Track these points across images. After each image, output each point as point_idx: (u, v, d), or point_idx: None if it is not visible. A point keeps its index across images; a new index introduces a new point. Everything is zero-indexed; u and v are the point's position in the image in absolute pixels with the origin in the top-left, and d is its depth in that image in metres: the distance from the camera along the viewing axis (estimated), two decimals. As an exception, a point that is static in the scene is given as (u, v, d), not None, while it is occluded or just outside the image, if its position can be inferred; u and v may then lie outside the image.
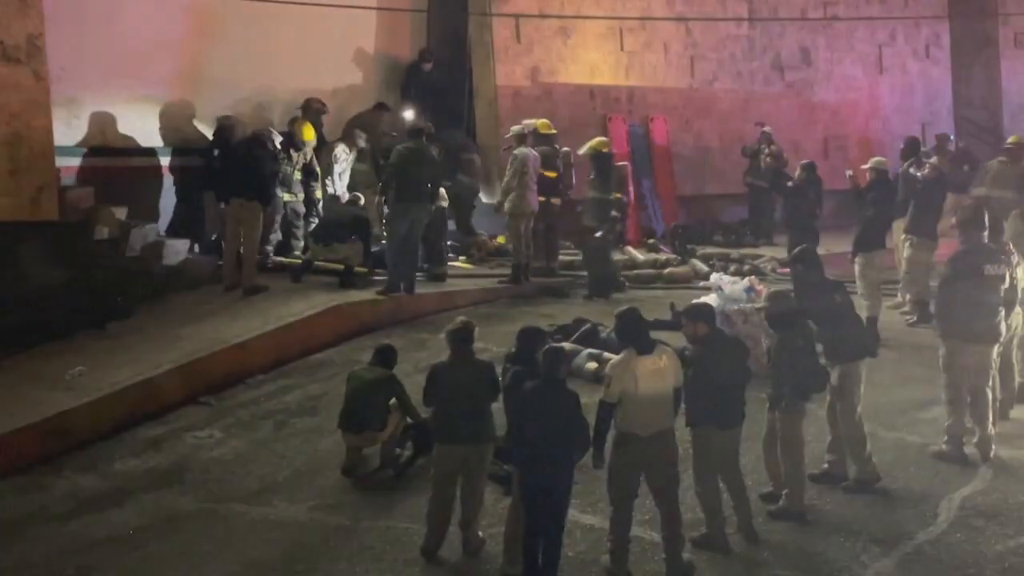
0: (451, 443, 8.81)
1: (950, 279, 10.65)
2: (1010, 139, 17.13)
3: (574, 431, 8.20)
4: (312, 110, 16.65)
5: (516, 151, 16.12)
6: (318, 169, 16.44)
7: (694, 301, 10.14)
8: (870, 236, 14.35)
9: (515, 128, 16.69)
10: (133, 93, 15.32)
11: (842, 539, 9.03)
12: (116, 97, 15.18)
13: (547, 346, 8.66)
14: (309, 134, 16.03)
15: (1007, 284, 10.59)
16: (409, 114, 17.71)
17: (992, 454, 10.47)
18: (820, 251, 12.04)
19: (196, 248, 15.73)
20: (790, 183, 15.92)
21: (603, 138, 16.00)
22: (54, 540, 9.35)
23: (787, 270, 16.65)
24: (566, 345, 11.71)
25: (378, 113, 17.93)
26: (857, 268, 14.33)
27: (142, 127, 15.52)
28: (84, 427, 11.20)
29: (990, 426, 10.57)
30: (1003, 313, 10.58)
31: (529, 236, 16.35)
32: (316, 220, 16.25)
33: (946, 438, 10.53)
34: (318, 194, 16.56)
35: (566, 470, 8.25)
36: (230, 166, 14.77)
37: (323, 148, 16.69)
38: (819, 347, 9.66)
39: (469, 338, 8.97)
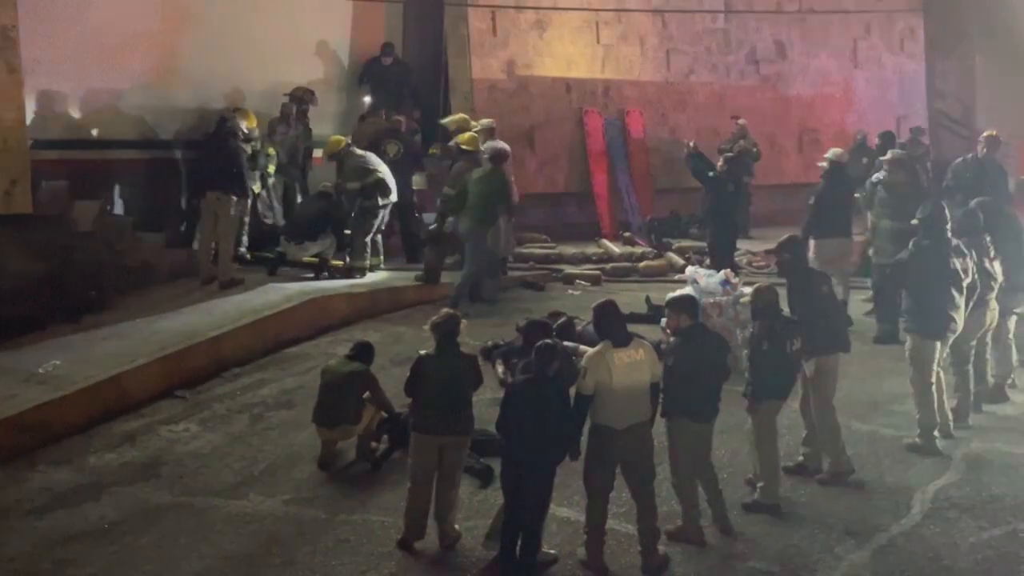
0: (429, 433, 8.83)
1: (914, 274, 10.74)
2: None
3: (561, 429, 8.24)
4: (297, 99, 16.59)
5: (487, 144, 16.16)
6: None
7: (676, 293, 10.18)
8: (813, 225, 14.33)
9: (484, 121, 16.68)
10: (108, 85, 15.24)
11: (816, 531, 9.08)
12: (91, 89, 15.10)
13: (540, 343, 8.67)
14: (252, 122, 15.88)
15: (969, 279, 10.67)
16: (368, 99, 17.66)
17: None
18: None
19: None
20: (711, 173, 15.89)
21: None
22: (29, 534, 9.31)
23: (762, 263, 16.83)
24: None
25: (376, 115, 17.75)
26: None
27: (117, 120, 15.44)
28: (58, 421, 11.14)
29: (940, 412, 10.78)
30: (961, 307, 10.66)
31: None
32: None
33: (919, 431, 10.61)
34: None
35: (549, 467, 8.28)
36: (204, 159, 14.73)
37: (309, 139, 16.68)
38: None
39: (455, 330, 8.99)
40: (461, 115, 16.86)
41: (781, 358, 9.39)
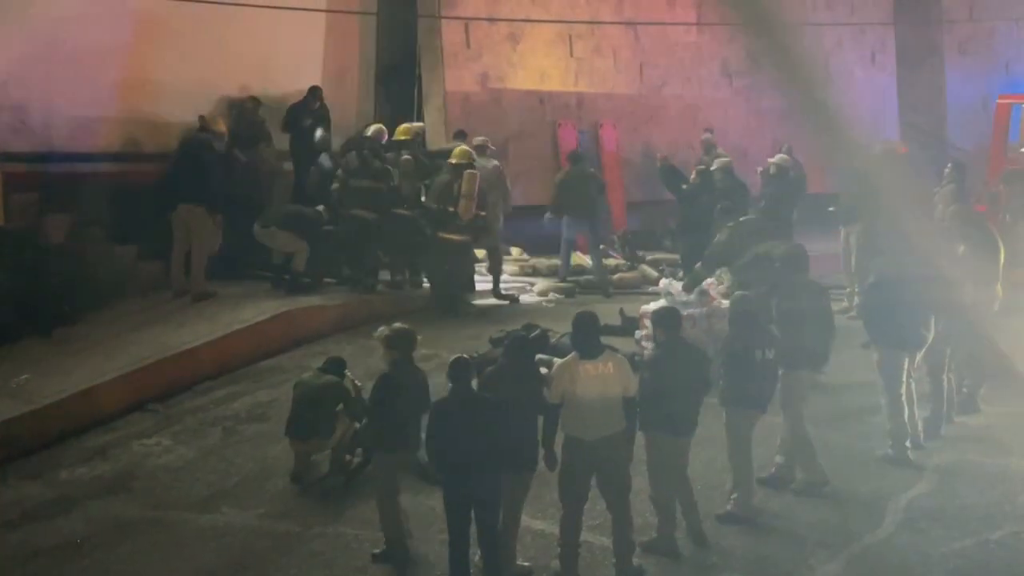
0: (388, 451, 8.85)
1: (877, 285, 10.81)
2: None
3: (498, 443, 8.24)
4: (244, 110, 16.48)
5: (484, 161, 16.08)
6: None
7: (655, 305, 10.21)
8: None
9: (478, 140, 16.61)
10: (79, 98, 15.16)
11: (790, 542, 9.11)
12: (62, 102, 15.01)
13: (454, 357, 8.72)
14: (221, 126, 15.61)
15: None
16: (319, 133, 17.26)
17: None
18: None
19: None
20: (684, 186, 15.95)
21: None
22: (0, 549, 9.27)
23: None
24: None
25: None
26: None
27: (88, 132, 15.36)
28: (29, 435, 11.11)
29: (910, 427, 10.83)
30: (931, 318, 10.71)
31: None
32: None
33: (891, 442, 10.65)
34: None
35: (487, 483, 8.27)
36: (177, 171, 14.67)
37: (266, 146, 16.55)
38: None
39: (412, 346, 9.01)
40: (406, 125, 16.65)
41: (753, 367, 9.40)
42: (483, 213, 15.38)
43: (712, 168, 15.85)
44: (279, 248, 15.02)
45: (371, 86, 19.33)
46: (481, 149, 16.42)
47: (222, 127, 15.47)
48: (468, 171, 15.20)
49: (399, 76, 19.79)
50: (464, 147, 15.73)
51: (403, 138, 16.03)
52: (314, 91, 17.32)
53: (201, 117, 15.43)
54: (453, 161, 15.32)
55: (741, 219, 13.64)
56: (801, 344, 9.97)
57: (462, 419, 8.24)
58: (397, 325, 9.28)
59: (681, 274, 15.57)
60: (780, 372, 9.84)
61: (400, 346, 9.01)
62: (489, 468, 8.24)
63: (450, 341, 13.08)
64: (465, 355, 8.92)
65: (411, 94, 19.86)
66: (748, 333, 9.54)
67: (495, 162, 16.69)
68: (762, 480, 9.90)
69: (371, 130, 15.99)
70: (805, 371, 10.06)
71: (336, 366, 10.68)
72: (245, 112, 16.48)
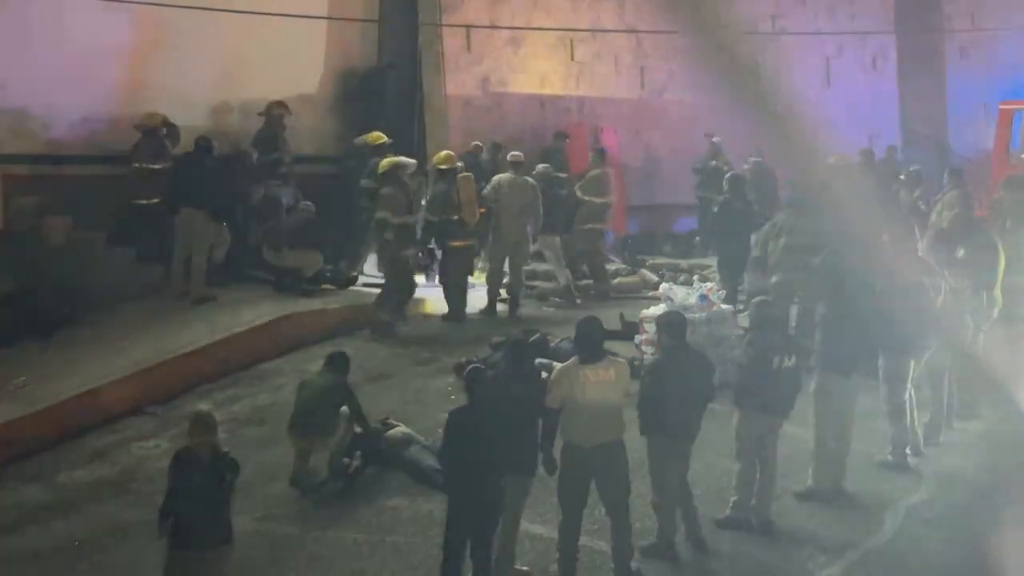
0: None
1: (885, 292, 10.80)
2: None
3: (497, 451, 8.22)
4: (271, 115, 16.45)
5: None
6: None
7: (658, 309, 10.19)
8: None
9: (513, 155, 16.32)
10: (80, 101, 15.16)
11: (789, 548, 9.11)
12: (63, 105, 15.01)
13: (469, 366, 8.70)
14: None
15: (941, 296, 10.72)
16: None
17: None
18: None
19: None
20: (716, 204, 16.04)
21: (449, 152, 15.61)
22: (-2, 551, 9.26)
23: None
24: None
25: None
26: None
27: (89, 135, 15.36)
28: (28, 437, 11.08)
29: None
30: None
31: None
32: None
33: (891, 448, 10.64)
34: None
35: (488, 493, 8.24)
36: (179, 175, 14.67)
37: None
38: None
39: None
40: (376, 133, 16.44)
41: (768, 373, 9.35)
42: (483, 210, 15.20)
43: None
44: (294, 266, 14.96)
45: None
46: (516, 166, 15.96)
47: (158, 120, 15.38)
48: (463, 176, 15.06)
49: (400, 81, 19.72)
50: (447, 152, 15.50)
51: (383, 142, 15.91)
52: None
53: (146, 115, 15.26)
54: (442, 167, 15.12)
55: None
56: (840, 348, 9.93)
57: (481, 428, 8.20)
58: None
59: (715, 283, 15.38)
60: (816, 375, 9.90)
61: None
62: (495, 475, 8.23)
63: (450, 345, 13.07)
64: (479, 364, 8.91)
65: (412, 99, 19.79)
66: (768, 338, 9.51)
67: (530, 180, 15.98)
68: (719, 522, 9.55)
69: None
70: (837, 373, 10.00)
71: (338, 361, 10.64)
72: (271, 116, 16.46)
